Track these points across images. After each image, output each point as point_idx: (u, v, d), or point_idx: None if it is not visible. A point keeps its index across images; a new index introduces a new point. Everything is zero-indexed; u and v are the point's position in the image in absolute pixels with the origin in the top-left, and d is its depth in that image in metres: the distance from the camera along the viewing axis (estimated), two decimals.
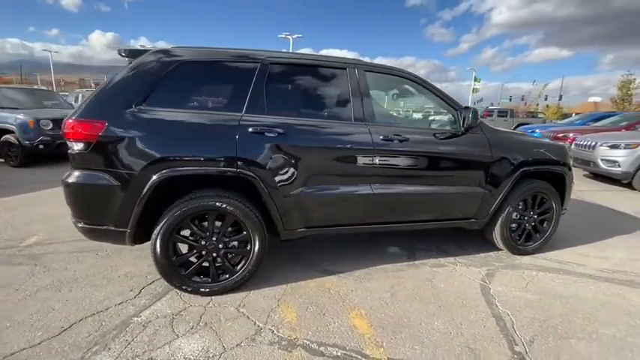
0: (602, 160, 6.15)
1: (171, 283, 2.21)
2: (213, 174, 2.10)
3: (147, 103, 2.04)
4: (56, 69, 54.80)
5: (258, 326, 1.98)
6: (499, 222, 2.92)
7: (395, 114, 4.22)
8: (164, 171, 2.00)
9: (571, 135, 8.37)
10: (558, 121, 18.57)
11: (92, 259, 2.74)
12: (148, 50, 2.16)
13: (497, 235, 2.99)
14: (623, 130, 8.06)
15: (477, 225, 2.90)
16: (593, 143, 6.40)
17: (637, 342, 1.95)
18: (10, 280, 2.37)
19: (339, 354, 1.78)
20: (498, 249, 3.15)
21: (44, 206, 4.03)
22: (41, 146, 6.08)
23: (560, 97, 51.89)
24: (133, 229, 2.06)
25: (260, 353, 1.76)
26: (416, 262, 2.91)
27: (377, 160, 2.41)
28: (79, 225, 2.12)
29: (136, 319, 2.01)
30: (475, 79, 42.12)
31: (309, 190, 2.31)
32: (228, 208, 2.14)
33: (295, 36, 28.26)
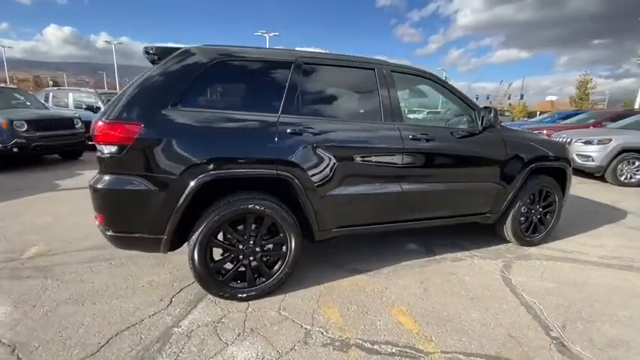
0: (577, 155, 6.63)
1: (209, 290, 2.14)
2: (253, 176, 2.05)
3: (182, 103, 1.95)
4: (7, 65, 50.48)
5: (306, 329, 1.96)
6: (510, 215, 3.08)
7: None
8: (204, 174, 1.92)
9: (545, 132, 8.94)
10: (528, 119, 19.71)
11: (107, 269, 2.58)
12: (178, 49, 2.06)
13: (508, 228, 3.15)
14: (591, 127, 8.74)
15: (492, 219, 3.04)
16: (569, 139, 6.89)
17: None
18: (24, 296, 2.18)
19: (393, 351, 1.81)
20: (506, 242, 3.32)
21: (32, 214, 3.73)
22: (15, 149, 5.60)
23: (522, 96, 55.32)
24: (170, 235, 1.97)
25: (316, 356, 1.75)
26: (436, 257, 3.00)
27: (406, 159, 2.47)
28: (108, 233, 1.98)
29: (176, 329, 1.92)
30: (445, 79, 43.65)
31: (343, 189, 2.31)
32: (266, 210, 2.10)
33: (272, 34, 27.99)
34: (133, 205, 1.91)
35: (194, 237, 1.99)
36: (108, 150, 1.87)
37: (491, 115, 2.64)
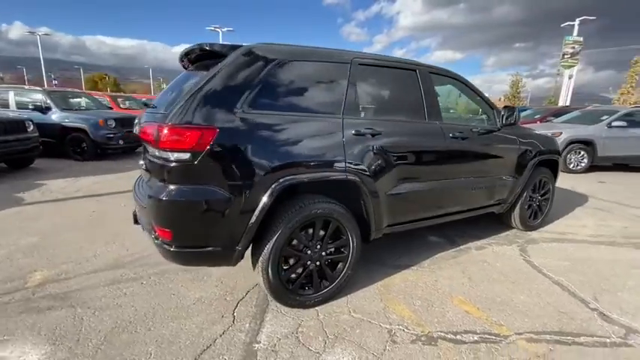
0: None
1: (282, 301, 2.04)
2: (326, 180, 1.99)
3: (252, 105, 1.82)
4: None
5: (387, 328, 1.98)
6: (519, 204, 3.40)
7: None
8: (283, 179, 1.83)
9: None
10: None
11: (142, 290, 2.31)
12: (239, 46, 1.91)
13: (516, 215, 3.47)
14: (538, 122, 9.90)
15: (504, 208, 3.33)
16: None
17: None
18: (59, 331, 1.86)
19: (476, 338, 1.91)
20: (510, 228, 3.66)
21: (11, 235, 3.16)
22: None
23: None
24: (244, 246, 1.84)
25: (412, 353, 1.78)
26: (460, 247, 3.20)
27: (447, 156, 2.60)
28: (172, 249, 1.78)
29: (257, 345, 1.81)
30: None
31: (398, 188, 2.36)
32: (334, 214, 2.07)
33: (225, 29, 26.73)
34: (209, 216, 1.74)
35: (269, 246, 1.88)
36: (176, 157, 1.67)
37: (514, 113, 2.90)
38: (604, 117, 7.49)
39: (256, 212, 1.79)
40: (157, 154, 1.75)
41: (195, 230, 1.76)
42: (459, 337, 1.92)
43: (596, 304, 2.29)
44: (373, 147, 2.17)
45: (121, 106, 10.10)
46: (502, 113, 2.96)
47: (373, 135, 2.18)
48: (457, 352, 1.80)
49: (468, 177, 2.82)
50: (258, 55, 1.91)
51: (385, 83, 2.50)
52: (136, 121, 2.38)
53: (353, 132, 2.10)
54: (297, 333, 1.91)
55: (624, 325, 2.07)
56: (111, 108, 9.33)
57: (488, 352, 1.80)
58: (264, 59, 1.91)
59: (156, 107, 2.00)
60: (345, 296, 2.29)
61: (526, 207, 3.50)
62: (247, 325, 1.98)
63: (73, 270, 2.54)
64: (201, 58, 2.11)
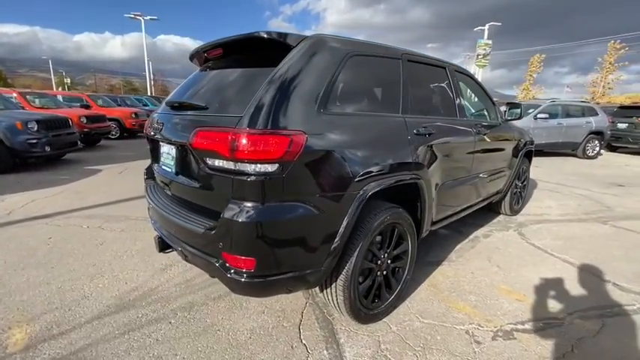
0: None
1: (357, 319, 1.86)
2: (401, 182, 1.86)
3: (331, 104, 1.59)
4: None
5: (462, 329, 1.96)
6: (510, 192, 3.72)
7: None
8: (366, 187, 1.64)
9: None
10: None
11: (174, 332, 1.89)
12: (303, 37, 1.64)
13: (506, 202, 3.80)
14: None
15: (501, 196, 3.62)
16: None
17: None
18: None
19: (542, 325, 2.00)
20: (497, 214, 4.00)
21: None
22: None
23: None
24: (329, 266, 1.61)
25: (500, 351, 1.79)
26: (469, 237, 3.37)
27: (475, 151, 2.69)
28: (254, 280, 1.46)
29: None
30: None
31: (443, 186, 2.36)
32: (400, 220, 1.96)
33: (148, 17, 23.78)
34: (299, 237, 1.47)
35: (352, 261, 1.68)
36: (260, 170, 1.36)
37: (519, 109, 3.13)
38: (530, 110, 8.69)
39: (343, 226, 1.58)
40: (226, 166, 1.41)
41: (283, 255, 1.48)
42: (527, 326, 2.00)
43: (606, 276, 2.62)
44: (430, 146, 2.11)
45: (32, 104, 8.33)
46: (505, 109, 3.18)
47: (429, 135, 2.12)
48: (535, 341, 1.87)
49: (486, 169, 2.98)
50: (333, 47, 1.68)
51: (426, 80, 2.46)
52: (153, 123, 1.92)
53: (415, 132, 2.01)
54: (383, 351, 1.77)
55: (636, 291, 2.41)
56: (23, 107, 7.61)
57: (559, 336, 1.91)
58: (339, 52, 1.68)
59: (206, 108, 1.61)
60: (404, 302, 2.21)
61: (513, 194, 3.85)
62: (325, 352, 1.76)
63: (65, 320, 1.96)
64: (235, 50, 1.78)
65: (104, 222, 3.52)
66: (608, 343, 1.86)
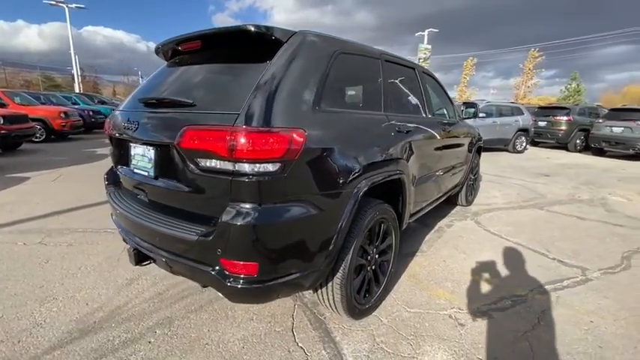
0: None
1: (352, 316, 1.86)
2: (388, 179, 1.90)
3: (325, 101, 1.56)
4: None
5: (446, 314, 2.08)
6: (465, 185, 4.06)
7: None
8: (361, 185, 1.65)
9: None
10: None
11: (158, 352, 1.71)
12: (293, 32, 1.58)
13: (462, 194, 4.13)
14: None
15: (460, 189, 3.92)
16: None
17: (590, 244, 3.50)
18: None
19: (510, 302, 2.22)
20: (453, 206, 4.33)
21: None
22: None
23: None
24: (329, 265, 1.58)
25: (483, 330, 1.94)
26: (435, 227, 3.60)
27: (442, 146, 2.88)
28: (254, 286, 1.37)
29: None
30: None
31: (418, 180, 2.48)
32: (386, 215, 2.02)
33: (74, 5, 21.03)
34: (300, 238, 1.42)
35: (348, 258, 1.68)
36: (261, 170, 1.29)
37: (474, 109, 3.42)
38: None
39: (342, 224, 1.57)
40: (222, 167, 1.31)
41: (285, 258, 1.42)
42: (499, 305, 2.19)
43: (551, 254, 2.99)
44: (409, 143, 2.21)
45: None
46: (462, 108, 3.45)
47: (407, 132, 2.21)
48: (508, 317, 2.06)
49: (450, 164, 3.21)
50: (324, 44, 1.66)
51: (400, 80, 2.55)
52: (120, 122, 1.72)
53: (396, 129, 2.08)
54: (379, 344, 1.81)
55: (577, 265, 2.79)
56: None
57: (526, 311, 2.13)
58: (329, 49, 1.67)
59: (194, 105, 1.46)
60: (389, 294, 2.28)
61: (467, 186, 4.21)
62: (324, 352, 1.74)
63: (15, 355, 1.66)
64: (216, 43, 1.66)
65: (44, 237, 3.06)
66: (565, 312, 2.13)
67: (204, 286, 1.65)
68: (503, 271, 2.65)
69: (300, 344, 1.80)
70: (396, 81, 2.38)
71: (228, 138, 1.26)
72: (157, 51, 2.03)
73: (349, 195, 1.60)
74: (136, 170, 1.71)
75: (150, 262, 1.72)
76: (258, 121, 1.29)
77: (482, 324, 2.00)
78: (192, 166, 1.39)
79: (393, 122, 2.07)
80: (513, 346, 1.82)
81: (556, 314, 2.11)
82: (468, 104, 3.63)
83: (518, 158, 9.40)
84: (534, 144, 12.58)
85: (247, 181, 1.30)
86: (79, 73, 28.17)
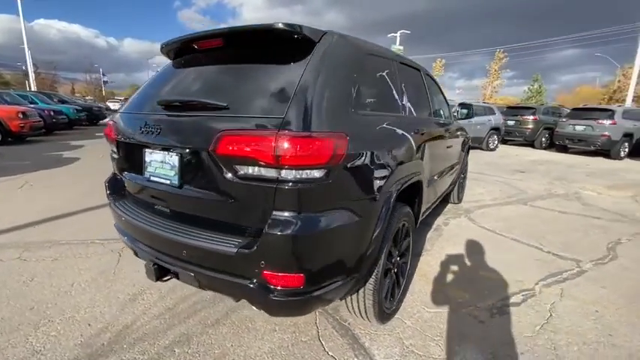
0: None
1: (381, 320, 1.84)
2: (415, 180, 1.90)
3: (359, 104, 1.52)
4: None
5: (466, 312, 2.12)
6: (458, 183, 4.18)
7: None
8: (393, 188, 1.63)
9: None
10: None
11: None
12: (324, 32, 1.52)
13: (455, 192, 4.26)
14: None
15: (453, 187, 4.03)
16: None
17: (548, 229, 3.71)
18: None
19: (522, 297, 2.30)
20: (445, 203, 4.45)
21: None
22: None
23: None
24: (368, 270, 1.55)
25: (504, 323, 1.99)
26: (433, 226, 3.67)
27: (446, 146, 2.94)
28: (299, 298, 1.31)
29: None
30: None
31: (430, 181, 2.52)
32: (408, 217, 2.02)
33: None
34: (344, 246, 1.38)
35: (381, 262, 1.66)
36: (305, 177, 1.22)
37: (469, 110, 3.52)
38: None
39: (379, 229, 1.55)
40: (265, 174, 1.23)
41: (329, 267, 1.37)
42: (511, 300, 2.27)
43: (545, 248, 3.15)
44: (424, 144, 2.22)
45: None
46: (457, 109, 3.55)
47: (422, 133, 2.22)
48: (523, 311, 2.14)
49: (450, 163, 3.29)
50: (354, 44, 1.63)
51: (411, 82, 2.56)
52: (131, 126, 1.58)
53: (415, 130, 2.08)
54: (408, 347, 1.80)
55: (571, 258, 2.95)
56: None
57: (537, 304, 2.22)
58: (360, 50, 1.65)
59: (227, 108, 1.35)
60: (406, 296, 2.29)
61: (459, 184, 4.34)
62: (356, 359, 1.71)
63: None
64: (240, 42, 1.57)
65: (23, 251, 2.77)
66: (572, 304, 2.24)
67: (237, 301, 1.56)
68: (507, 267, 2.75)
69: (330, 353, 1.75)
70: (408, 83, 2.39)
71: (273, 144, 1.19)
72: (165, 48, 1.88)
73: (384, 199, 1.58)
74: (153, 178, 1.58)
75: (170, 277, 1.59)
76: (304, 125, 1.22)
77: (500, 320, 2.05)
78: (228, 173, 1.30)
79: (411, 123, 2.08)
80: (534, 339, 1.88)
81: (564, 306, 2.21)
82: (463, 105, 3.74)
83: (491, 156, 9.87)
84: (504, 142, 13.28)
85: (293, 188, 1.23)
86: (33, 70, 25.95)
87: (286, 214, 1.25)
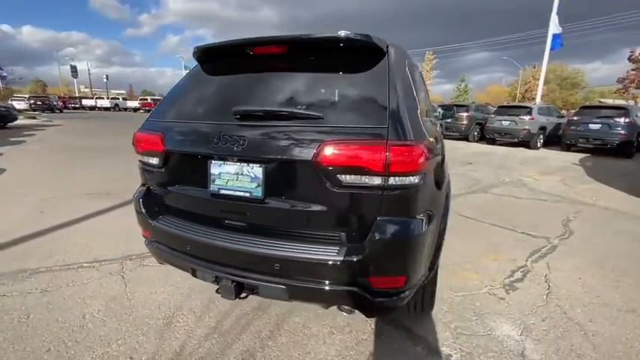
0: None
1: (431, 309, 1.99)
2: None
3: (420, 110, 1.63)
4: None
5: (486, 291, 2.39)
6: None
7: None
8: (445, 184, 1.80)
9: None
10: None
11: None
12: (387, 42, 1.58)
13: None
14: None
15: None
16: None
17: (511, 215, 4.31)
18: None
19: (521, 272, 2.68)
20: None
21: None
22: None
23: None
24: (434, 266, 1.68)
25: (519, 297, 2.31)
26: None
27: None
28: (398, 296, 1.39)
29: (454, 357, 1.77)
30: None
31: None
32: None
33: None
34: (429, 246, 1.48)
35: (439, 255, 1.80)
36: (408, 182, 1.30)
37: (452, 111, 3.86)
38: None
39: (443, 223, 1.70)
40: (370, 182, 1.28)
41: (421, 266, 1.46)
42: (514, 277, 2.62)
43: (519, 229, 3.66)
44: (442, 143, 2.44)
45: None
46: (439, 110, 3.88)
47: (442, 133, 2.43)
48: (528, 285, 2.49)
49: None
50: (405, 54, 1.72)
51: (418, 83, 2.74)
52: (202, 136, 1.47)
53: (440, 131, 2.27)
54: (455, 329, 1.99)
55: (541, 236, 3.49)
56: None
57: (536, 277, 2.60)
58: (408, 58, 1.74)
59: (321, 118, 1.33)
60: None
61: None
62: (418, 348, 1.84)
63: None
64: (304, 49, 1.56)
65: None
66: (560, 275, 2.68)
67: (326, 308, 1.58)
68: (497, 248, 3.15)
69: (394, 345, 1.85)
70: (417, 84, 2.59)
71: (384, 153, 1.24)
72: (202, 52, 1.76)
73: (445, 195, 1.73)
74: (224, 191, 1.48)
75: (248, 294, 1.52)
76: (403, 134, 1.30)
77: (514, 295, 2.37)
78: (329, 183, 1.31)
79: (439, 123, 2.27)
80: (547, 308, 2.23)
81: (555, 277, 2.64)
82: (445, 107, 4.08)
83: None
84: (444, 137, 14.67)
85: (397, 194, 1.30)
86: None
87: (392, 219, 1.32)
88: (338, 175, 1.30)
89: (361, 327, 2.00)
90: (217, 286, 1.52)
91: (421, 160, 1.34)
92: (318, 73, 1.56)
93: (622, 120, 9.57)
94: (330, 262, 1.31)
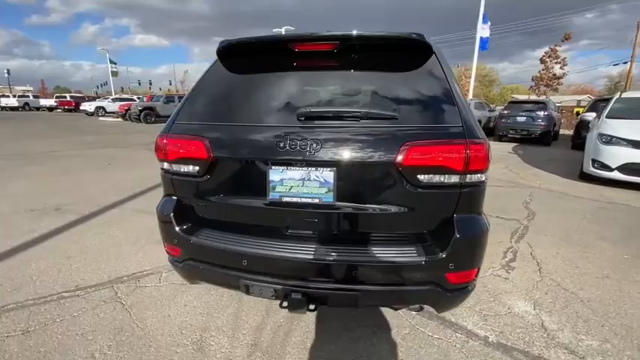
0: None
1: None
2: None
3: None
4: None
5: (491, 274, 2.62)
6: None
7: None
8: None
9: None
10: None
11: None
12: (429, 39, 1.59)
13: None
14: None
15: None
16: None
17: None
18: None
19: (511, 254, 2.98)
20: None
21: None
22: None
23: (171, 82, 65.63)
24: None
25: (518, 275, 2.57)
26: None
27: None
28: (467, 288, 1.45)
29: (492, 339, 1.91)
30: (111, 62, 38.48)
31: None
32: None
33: None
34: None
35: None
36: (480, 179, 1.38)
37: None
38: None
39: None
40: (448, 181, 1.31)
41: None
42: (508, 257, 2.91)
43: (493, 214, 4.05)
44: None
45: None
46: None
47: None
48: (522, 264, 2.79)
49: None
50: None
51: None
52: (263, 142, 1.34)
53: None
54: (481, 312, 2.15)
55: (512, 218, 3.91)
56: None
57: (525, 257, 2.92)
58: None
59: (396, 118, 1.28)
60: None
61: None
62: (458, 334, 1.94)
63: None
64: (353, 47, 1.50)
65: None
66: (542, 251, 3.04)
67: (396, 308, 1.56)
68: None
69: (436, 336, 1.93)
70: None
71: (465, 152, 1.27)
72: (230, 48, 1.60)
73: None
74: (286, 199, 1.37)
75: (316, 307, 1.43)
76: (474, 133, 1.34)
77: (515, 274, 2.64)
78: (409, 183, 1.30)
79: None
80: (544, 282, 2.51)
81: (539, 254, 2.99)
82: None
83: None
84: None
85: (472, 191, 1.36)
86: None
87: (468, 216, 1.37)
88: (418, 176, 1.30)
89: (399, 323, 2.04)
90: (280, 301, 1.42)
91: (489, 157, 1.41)
92: (373, 72, 1.53)
93: (542, 113, 11.13)
94: (414, 263, 1.32)
